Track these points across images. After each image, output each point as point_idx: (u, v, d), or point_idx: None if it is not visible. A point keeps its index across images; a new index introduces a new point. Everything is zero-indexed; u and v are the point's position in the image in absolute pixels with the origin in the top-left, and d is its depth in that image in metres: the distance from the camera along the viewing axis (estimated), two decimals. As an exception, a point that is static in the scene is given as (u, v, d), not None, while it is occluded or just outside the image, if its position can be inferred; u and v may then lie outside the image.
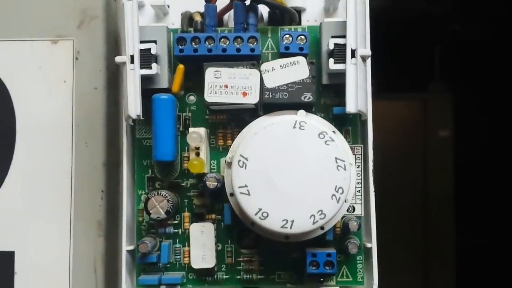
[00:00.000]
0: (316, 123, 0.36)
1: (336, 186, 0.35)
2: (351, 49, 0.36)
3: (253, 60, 0.38)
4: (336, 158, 0.35)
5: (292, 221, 0.34)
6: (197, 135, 0.37)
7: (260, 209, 0.34)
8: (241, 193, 0.35)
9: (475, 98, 1.30)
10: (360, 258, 0.39)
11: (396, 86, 1.34)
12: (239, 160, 0.35)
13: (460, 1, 1.30)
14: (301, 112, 0.37)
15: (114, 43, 0.44)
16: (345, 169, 0.35)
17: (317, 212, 0.34)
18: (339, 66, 0.37)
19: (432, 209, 1.37)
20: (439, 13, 1.31)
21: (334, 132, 0.37)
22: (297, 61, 0.37)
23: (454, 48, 1.33)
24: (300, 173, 0.35)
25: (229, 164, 0.36)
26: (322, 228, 0.36)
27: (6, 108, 0.43)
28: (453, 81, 1.31)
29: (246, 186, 0.35)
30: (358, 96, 0.36)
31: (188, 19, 0.39)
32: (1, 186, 0.42)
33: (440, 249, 1.36)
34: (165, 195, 0.37)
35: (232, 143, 0.38)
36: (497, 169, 1.31)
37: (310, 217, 0.34)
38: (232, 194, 0.36)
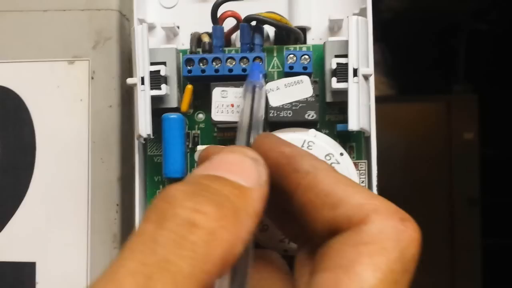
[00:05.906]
0: (324, 144, 0.36)
1: None
2: (353, 68, 0.37)
3: (258, 80, 0.39)
4: None
5: (291, 237, 0.35)
6: (204, 153, 0.38)
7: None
8: None
9: (500, 99, 1.28)
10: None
11: (420, 88, 1.33)
12: None
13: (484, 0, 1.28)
14: (312, 131, 0.37)
15: (127, 63, 0.45)
16: None
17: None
18: (342, 85, 0.37)
19: (458, 210, 1.35)
20: (463, 13, 1.29)
21: (341, 154, 0.37)
22: (301, 80, 0.38)
23: (479, 48, 1.31)
24: (303, 192, 0.35)
25: None
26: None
27: (27, 126, 0.45)
28: (478, 82, 1.30)
29: None
30: (360, 114, 0.37)
31: (196, 40, 0.40)
32: (23, 200, 0.45)
33: (466, 249, 1.35)
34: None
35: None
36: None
37: (307, 236, 0.35)
38: None
